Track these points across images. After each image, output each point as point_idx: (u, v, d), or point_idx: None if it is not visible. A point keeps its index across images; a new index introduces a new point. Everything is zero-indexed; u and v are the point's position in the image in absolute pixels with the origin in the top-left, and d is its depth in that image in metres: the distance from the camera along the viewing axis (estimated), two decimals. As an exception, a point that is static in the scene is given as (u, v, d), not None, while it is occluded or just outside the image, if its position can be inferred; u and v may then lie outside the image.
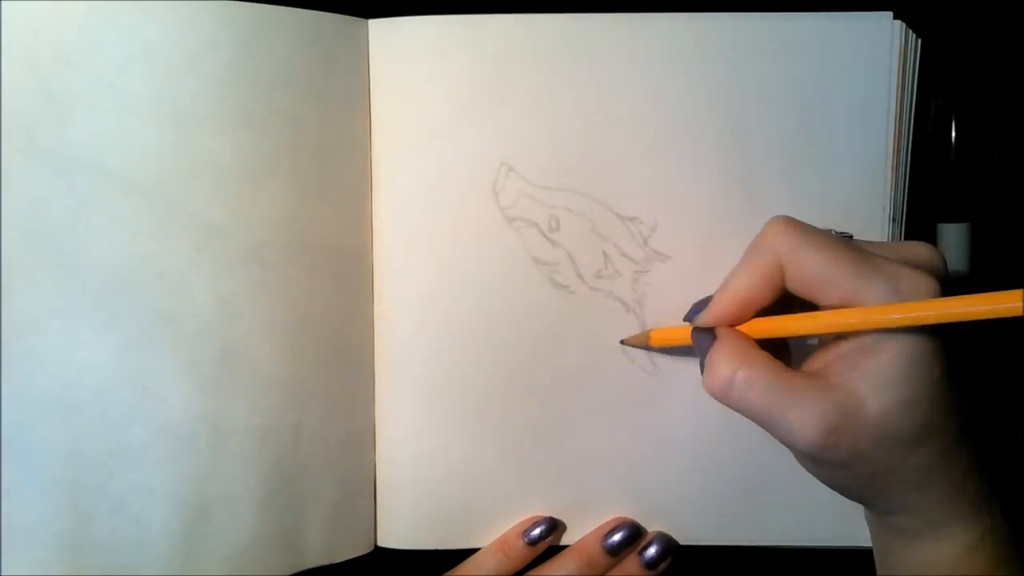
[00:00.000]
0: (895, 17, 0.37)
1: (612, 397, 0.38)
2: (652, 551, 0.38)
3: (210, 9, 0.35)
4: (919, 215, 0.39)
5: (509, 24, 0.37)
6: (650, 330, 0.37)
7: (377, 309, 0.39)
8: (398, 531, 0.39)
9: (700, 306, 0.33)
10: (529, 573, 0.38)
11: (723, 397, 0.31)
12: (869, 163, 0.38)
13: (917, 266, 0.30)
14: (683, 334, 0.35)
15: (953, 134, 0.40)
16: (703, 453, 0.39)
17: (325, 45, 0.37)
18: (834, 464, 0.30)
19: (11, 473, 0.33)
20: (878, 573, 0.35)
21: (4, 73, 0.33)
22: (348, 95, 0.38)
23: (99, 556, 0.34)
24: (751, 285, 0.31)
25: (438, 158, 0.38)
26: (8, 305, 0.33)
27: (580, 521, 0.39)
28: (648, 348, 0.38)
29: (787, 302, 0.32)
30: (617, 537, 0.38)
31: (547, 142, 0.38)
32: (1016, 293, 0.26)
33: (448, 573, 0.38)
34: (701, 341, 0.33)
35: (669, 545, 0.38)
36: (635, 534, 0.38)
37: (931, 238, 0.41)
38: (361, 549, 0.39)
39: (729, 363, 0.31)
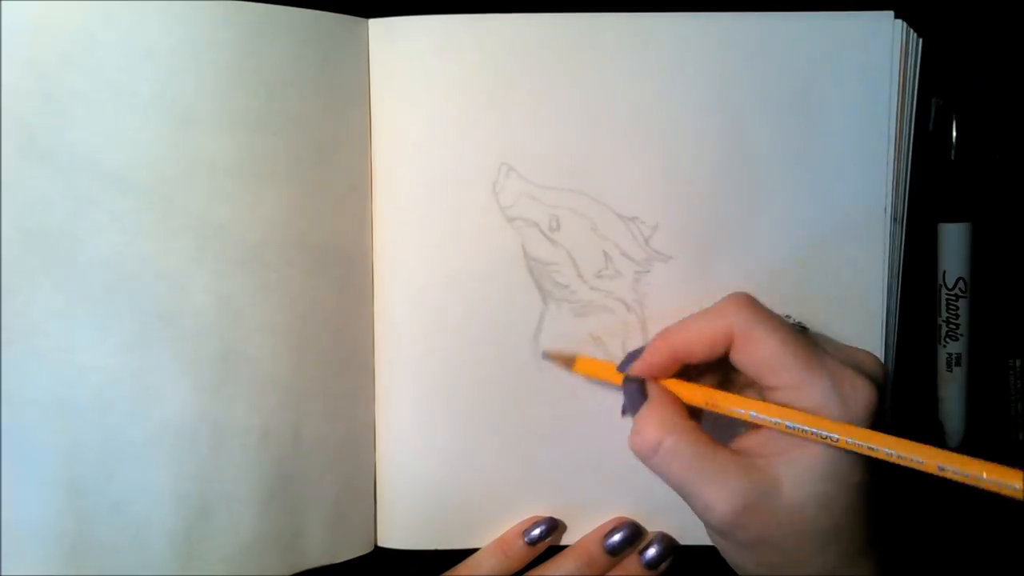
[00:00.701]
0: (896, 16, 0.37)
1: (612, 397, 0.38)
2: (652, 551, 0.38)
3: (210, 9, 0.35)
4: (919, 215, 0.39)
5: (509, 23, 0.37)
6: (576, 356, 0.37)
7: (377, 309, 0.39)
8: (398, 531, 0.39)
9: (634, 355, 0.34)
10: (529, 573, 0.38)
11: (646, 460, 0.32)
12: (869, 163, 0.37)
13: (860, 371, 0.31)
14: (607, 372, 0.35)
15: (954, 134, 0.40)
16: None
17: (325, 45, 0.37)
18: (742, 544, 0.31)
19: (11, 473, 0.33)
20: None
21: (4, 73, 0.33)
22: (348, 95, 0.38)
23: (99, 556, 0.34)
24: (693, 343, 0.32)
25: (438, 158, 0.38)
26: (8, 305, 0.33)
27: (579, 521, 0.39)
28: (567, 370, 0.38)
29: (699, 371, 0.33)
30: (617, 537, 0.38)
31: (547, 141, 0.38)
32: (933, 452, 0.28)
33: (447, 573, 0.38)
34: (631, 393, 0.33)
35: (669, 545, 0.38)
36: (635, 534, 0.38)
37: (932, 238, 0.41)
38: (361, 549, 0.39)
39: (658, 429, 0.31)
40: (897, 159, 0.37)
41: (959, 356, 0.41)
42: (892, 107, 0.37)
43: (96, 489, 0.34)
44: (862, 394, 0.30)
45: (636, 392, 0.33)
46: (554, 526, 0.38)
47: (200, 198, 0.35)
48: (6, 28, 0.33)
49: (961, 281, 0.40)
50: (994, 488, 0.27)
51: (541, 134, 0.38)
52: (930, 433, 0.41)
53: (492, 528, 0.39)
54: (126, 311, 0.34)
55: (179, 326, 0.35)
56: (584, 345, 0.38)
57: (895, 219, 0.38)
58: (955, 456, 0.28)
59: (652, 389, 0.33)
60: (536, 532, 0.38)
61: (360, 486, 0.39)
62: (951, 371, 0.41)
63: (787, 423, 0.30)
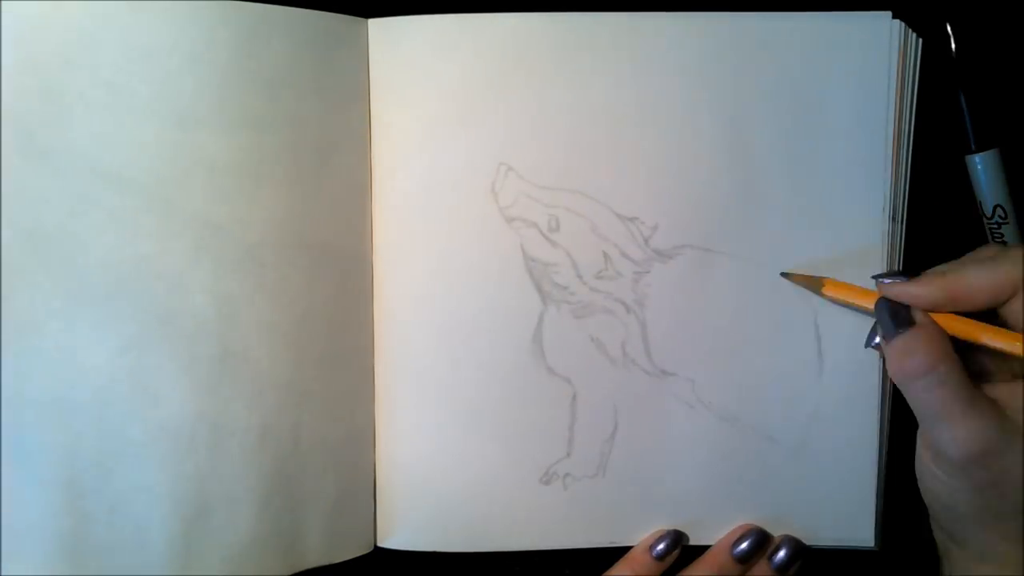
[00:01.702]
0: (894, 17, 0.37)
1: (612, 398, 0.38)
2: (782, 555, 0.38)
3: (209, 9, 0.35)
4: (920, 215, 0.39)
5: (509, 23, 0.37)
6: (824, 278, 0.37)
7: (377, 309, 0.39)
8: (398, 532, 0.39)
9: (893, 274, 0.34)
10: None
11: (910, 382, 0.31)
12: (869, 163, 0.37)
13: None
14: (857, 295, 0.35)
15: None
16: (703, 455, 0.39)
17: (325, 45, 0.37)
18: (972, 484, 0.31)
19: (10, 473, 0.33)
20: None
21: (4, 73, 0.33)
22: (348, 95, 0.38)
23: (98, 556, 0.34)
24: (975, 290, 0.32)
25: (438, 158, 0.38)
26: (7, 305, 0.33)
27: (580, 523, 0.39)
28: (816, 292, 0.37)
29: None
30: (745, 544, 0.38)
31: (546, 141, 0.38)
32: None
33: None
34: (892, 314, 0.33)
35: (798, 548, 0.38)
36: (763, 540, 0.38)
37: (933, 236, 0.41)
38: (361, 549, 0.39)
39: (932, 354, 0.31)
40: (896, 159, 0.37)
41: None
42: (891, 107, 0.37)
43: (95, 489, 0.34)
44: None
45: (893, 315, 0.32)
46: (678, 538, 0.38)
47: (199, 198, 0.35)
48: (6, 28, 0.33)
49: (1000, 208, 0.40)
50: None
51: (540, 134, 0.38)
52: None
53: (492, 530, 0.39)
54: (125, 311, 0.34)
55: (178, 326, 0.35)
56: (583, 347, 0.38)
57: (894, 219, 0.38)
58: None
59: (921, 316, 0.32)
60: (661, 547, 0.38)
61: (359, 486, 0.39)
62: None
63: None
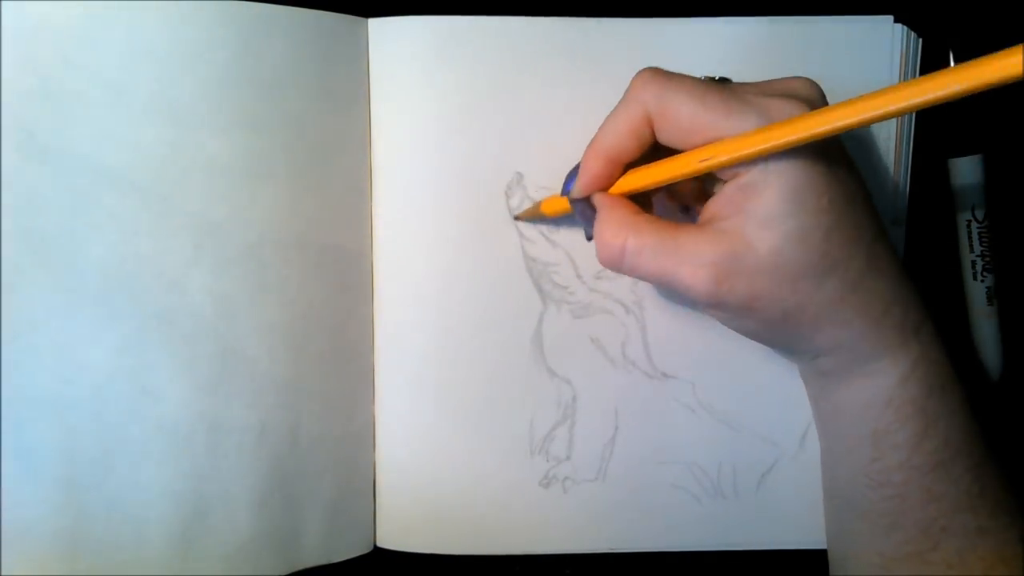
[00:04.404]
0: (896, 20, 0.37)
1: (612, 400, 0.38)
2: None
3: (209, 8, 0.35)
4: (920, 215, 0.39)
5: (509, 25, 0.37)
6: (540, 200, 0.37)
7: (376, 309, 0.39)
8: (397, 532, 0.39)
9: (573, 175, 0.33)
10: None
11: (617, 267, 0.31)
12: (869, 167, 0.37)
13: (792, 96, 0.29)
14: (563, 203, 0.35)
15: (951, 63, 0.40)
16: (702, 456, 0.39)
17: (325, 45, 0.37)
18: (737, 310, 0.30)
19: (9, 471, 0.33)
20: (816, 420, 0.36)
21: (4, 73, 0.33)
22: (348, 95, 0.38)
23: (96, 554, 0.34)
24: (618, 141, 0.31)
25: (437, 158, 0.38)
26: (6, 303, 0.33)
27: (580, 527, 0.39)
28: (540, 220, 0.37)
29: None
30: None
31: (546, 142, 0.38)
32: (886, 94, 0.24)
33: None
34: (583, 211, 0.33)
35: None
36: None
37: (933, 237, 0.41)
38: (359, 549, 0.39)
39: (616, 233, 0.30)
40: (896, 163, 0.37)
41: (993, 289, 0.40)
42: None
43: (93, 487, 0.34)
44: (796, 115, 0.28)
45: (587, 210, 0.32)
46: None
47: (198, 197, 0.35)
48: (6, 28, 0.33)
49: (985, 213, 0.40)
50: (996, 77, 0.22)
51: (540, 134, 0.37)
52: (970, 373, 0.40)
53: (491, 531, 0.39)
54: (124, 310, 0.34)
55: (177, 325, 0.35)
56: (583, 348, 0.38)
57: (895, 221, 0.38)
58: (929, 80, 0.24)
59: (599, 199, 0.32)
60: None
61: (359, 486, 0.39)
62: (992, 305, 0.40)
63: (724, 157, 0.28)
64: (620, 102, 0.31)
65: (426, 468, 0.39)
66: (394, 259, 0.38)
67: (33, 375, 0.34)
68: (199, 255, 0.35)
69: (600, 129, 0.32)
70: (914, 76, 0.37)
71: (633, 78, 0.31)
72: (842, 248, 0.29)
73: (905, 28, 0.37)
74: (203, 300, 0.35)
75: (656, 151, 0.31)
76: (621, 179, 0.32)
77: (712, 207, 0.30)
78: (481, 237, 0.38)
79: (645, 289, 0.38)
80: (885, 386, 0.31)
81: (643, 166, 0.31)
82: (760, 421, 0.38)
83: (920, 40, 0.37)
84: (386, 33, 0.38)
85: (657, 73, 0.30)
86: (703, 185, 0.33)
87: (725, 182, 0.30)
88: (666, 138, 0.30)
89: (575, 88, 0.37)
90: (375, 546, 0.39)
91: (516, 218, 0.38)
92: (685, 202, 0.35)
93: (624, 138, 0.31)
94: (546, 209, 0.36)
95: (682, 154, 0.30)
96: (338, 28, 0.37)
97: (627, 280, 0.38)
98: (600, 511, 0.39)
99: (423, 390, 0.38)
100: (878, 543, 0.33)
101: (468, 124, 0.37)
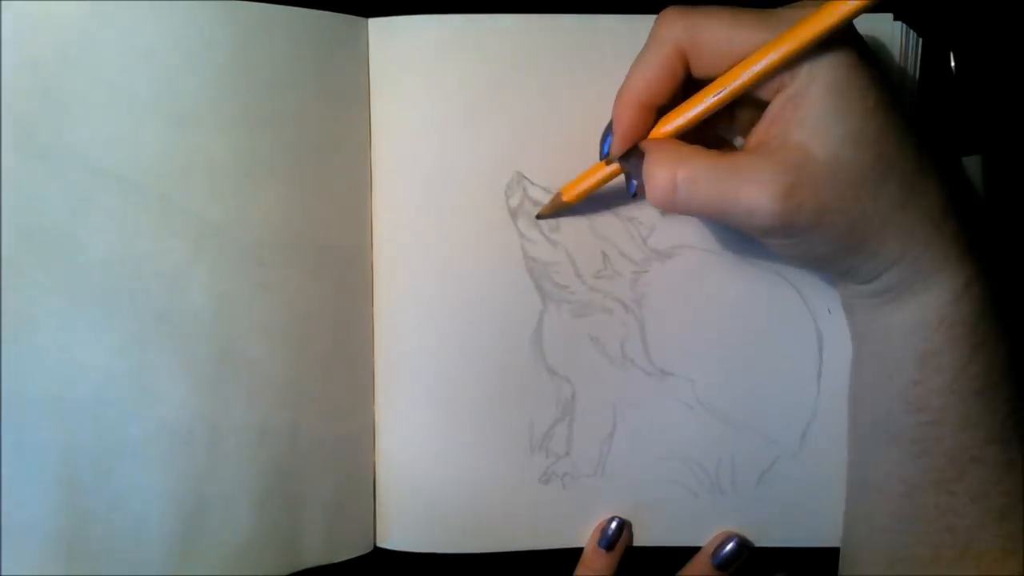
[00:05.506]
0: (895, 18, 0.37)
1: (611, 398, 0.38)
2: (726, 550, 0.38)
3: (209, 8, 0.35)
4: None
5: (509, 24, 0.37)
6: (559, 191, 0.36)
7: (377, 309, 0.39)
8: (397, 532, 0.39)
9: (607, 138, 0.33)
10: None
11: (671, 203, 0.30)
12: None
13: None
14: (591, 175, 0.35)
15: (952, 63, 0.40)
16: (700, 453, 0.38)
17: (325, 44, 0.37)
18: (806, 228, 0.30)
19: (9, 471, 0.33)
20: (856, 351, 0.35)
21: (4, 73, 0.33)
22: (348, 94, 0.38)
23: (96, 555, 0.34)
24: (649, 84, 0.31)
25: (438, 158, 0.38)
26: (6, 304, 0.33)
27: (579, 522, 0.39)
28: (563, 211, 0.37)
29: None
30: (726, 551, 0.38)
31: (546, 142, 0.38)
32: None
33: None
34: (632, 166, 0.32)
35: (743, 545, 0.38)
36: (742, 547, 0.38)
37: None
38: (360, 550, 0.39)
39: (665, 168, 0.30)
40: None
41: None
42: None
43: (94, 487, 0.34)
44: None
45: (635, 162, 0.31)
46: (622, 524, 0.38)
47: (198, 197, 0.35)
48: (6, 28, 0.33)
49: None
50: None
51: (540, 134, 0.37)
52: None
53: (491, 531, 0.39)
54: (124, 310, 0.34)
55: (177, 325, 0.35)
56: (583, 346, 0.38)
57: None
58: None
59: (645, 145, 0.31)
60: (609, 533, 0.38)
61: (359, 486, 0.39)
62: None
63: (770, 57, 0.28)
64: (645, 46, 0.31)
65: (426, 467, 0.38)
66: (394, 259, 0.38)
67: (33, 375, 0.34)
68: (199, 255, 0.35)
69: (628, 77, 0.31)
70: (914, 74, 0.37)
71: (657, 19, 0.31)
72: (895, 150, 0.29)
73: (904, 26, 0.37)
74: (203, 300, 0.35)
75: (684, 94, 0.31)
76: (657, 126, 0.32)
77: (760, 130, 0.30)
78: (481, 237, 0.38)
79: (644, 287, 0.38)
80: (939, 304, 0.30)
81: (679, 106, 0.31)
82: (760, 419, 0.38)
83: (920, 38, 0.37)
84: (386, 33, 0.38)
85: (682, 8, 0.30)
86: (740, 119, 0.32)
87: (768, 103, 0.29)
88: (704, 66, 0.30)
89: (576, 86, 0.37)
90: (375, 546, 0.39)
91: (538, 217, 0.38)
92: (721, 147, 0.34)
93: (656, 80, 0.30)
94: (566, 196, 0.36)
95: (722, 76, 0.30)
96: (338, 28, 0.37)
97: (626, 279, 0.38)
98: (599, 506, 0.39)
99: (423, 390, 0.38)
100: (906, 469, 0.32)
101: (468, 124, 0.37)
